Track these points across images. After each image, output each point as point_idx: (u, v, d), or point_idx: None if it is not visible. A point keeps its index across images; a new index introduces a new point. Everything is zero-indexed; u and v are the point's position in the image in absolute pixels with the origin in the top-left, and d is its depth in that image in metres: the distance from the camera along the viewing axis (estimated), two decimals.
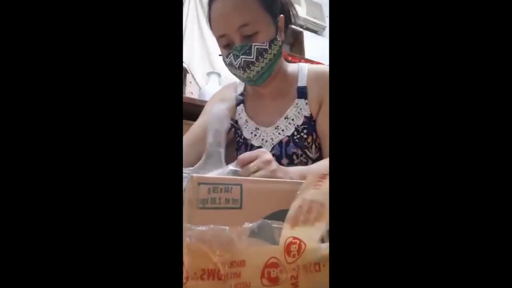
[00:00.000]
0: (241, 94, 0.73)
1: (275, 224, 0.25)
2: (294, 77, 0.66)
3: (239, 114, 0.72)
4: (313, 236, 0.25)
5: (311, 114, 0.62)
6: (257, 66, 0.56)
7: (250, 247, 0.24)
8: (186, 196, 0.26)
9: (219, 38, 0.58)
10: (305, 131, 0.62)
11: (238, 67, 0.56)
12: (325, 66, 0.67)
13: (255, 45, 0.54)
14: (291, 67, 0.68)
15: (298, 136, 0.62)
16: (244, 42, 0.55)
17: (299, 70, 0.67)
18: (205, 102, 1.45)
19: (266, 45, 0.55)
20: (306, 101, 0.63)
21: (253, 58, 0.55)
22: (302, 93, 0.63)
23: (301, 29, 2.34)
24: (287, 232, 0.25)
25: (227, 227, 0.24)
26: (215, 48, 1.98)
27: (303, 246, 0.24)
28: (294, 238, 0.24)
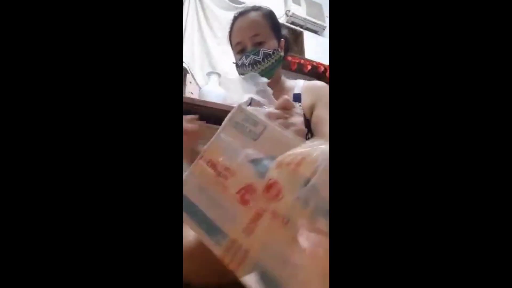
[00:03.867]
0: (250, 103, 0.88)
1: (270, 164, 0.29)
2: (291, 87, 0.83)
3: None
4: (293, 186, 0.27)
5: (304, 115, 0.74)
6: (262, 66, 0.75)
7: (243, 167, 0.29)
8: (230, 115, 0.33)
9: (236, 45, 0.78)
10: None
11: (248, 64, 0.75)
12: (317, 81, 0.84)
13: (262, 50, 0.75)
14: (289, 82, 0.86)
15: None
16: (254, 47, 0.76)
17: (296, 82, 0.84)
18: (205, 102, 1.46)
19: (270, 51, 0.76)
20: (300, 104, 0.78)
21: (260, 59, 0.75)
22: (297, 98, 0.79)
23: (301, 29, 2.35)
24: (271, 172, 0.28)
25: (239, 144, 0.31)
26: (215, 48, 2.00)
27: (281, 195, 0.27)
28: (276, 181, 0.28)
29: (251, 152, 0.31)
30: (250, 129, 0.32)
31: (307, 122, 0.75)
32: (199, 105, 1.44)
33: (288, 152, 0.29)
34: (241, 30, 0.77)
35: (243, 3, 2.15)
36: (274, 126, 0.32)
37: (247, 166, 0.30)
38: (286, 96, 0.43)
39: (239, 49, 0.78)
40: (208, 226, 0.29)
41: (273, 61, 0.77)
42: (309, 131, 0.75)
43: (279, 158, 0.29)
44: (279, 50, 0.78)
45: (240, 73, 0.80)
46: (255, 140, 0.31)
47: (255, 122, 0.32)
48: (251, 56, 0.75)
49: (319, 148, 0.28)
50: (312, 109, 0.76)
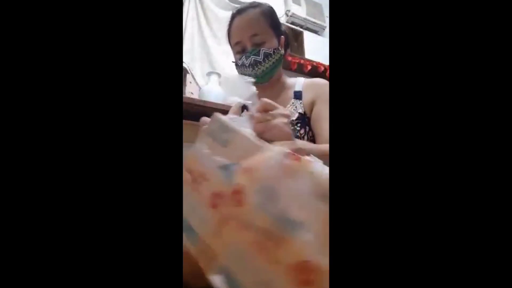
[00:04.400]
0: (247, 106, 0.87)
1: (236, 169, 0.30)
2: (292, 84, 0.82)
3: None
4: (254, 192, 0.28)
5: (304, 112, 0.75)
6: (263, 66, 0.75)
7: (213, 173, 0.30)
8: (207, 124, 0.35)
9: (235, 45, 0.77)
10: (298, 125, 0.75)
11: (249, 65, 0.74)
12: (318, 78, 0.83)
13: (262, 50, 0.74)
14: (290, 79, 0.85)
15: (292, 128, 0.73)
16: (254, 47, 0.74)
17: (297, 80, 0.84)
18: (205, 102, 1.46)
19: (271, 51, 0.75)
20: (301, 101, 0.77)
21: (260, 59, 0.74)
22: (297, 95, 0.78)
23: (301, 29, 2.35)
24: (237, 177, 0.29)
25: (209, 151, 0.32)
26: (215, 48, 2.00)
27: (244, 201, 0.28)
28: (242, 186, 0.29)
29: (220, 158, 0.31)
30: (221, 136, 0.33)
31: (308, 120, 0.75)
32: (199, 105, 1.44)
33: (251, 157, 0.30)
34: (240, 30, 0.76)
35: (243, 3, 2.15)
36: (243, 133, 0.32)
37: (216, 172, 0.31)
38: (264, 99, 0.43)
39: (239, 49, 0.77)
40: (186, 228, 0.30)
41: (274, 60, 0.76)
42: (310, 129, 0.75)
43: (243, 164, 0.30)
44: (280, 49, 0.78)
45: (240, 73, 0.79)
46: (225, 147, 0.32)
47: (226, 129, 0.33)
48: (252, 56, 0.74)
49: (278, 154, 0.28)
50: (312, 105, 0.75)
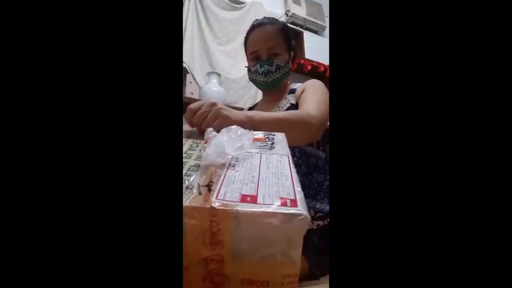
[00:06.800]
0: (252, 107, 1.05)
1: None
2: (290, 87, 0.94)
3: None
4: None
5: (296, 102, 0.86)
6: (274, 76, 0.87)
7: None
8: None
9: (251, 53, 0.89)
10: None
11: (262, 73, 0.86)
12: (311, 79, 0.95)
13: (275, 61, 0.86)
14: (291, 84, 0.97)
15: None
16: (269, 58, 0.86)
17: (297, 84, 0.96)
18: None
19: (282, 64, 0.86)
20: (293, 95, 0.88)
21: (273, 69, 0.86)
22: (292, 91, 0.90)
23: (301, 29, 2.35)
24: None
25: None
26: (215, 48, 2.00)
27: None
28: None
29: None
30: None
31: (297, 108, 0.84)
32: None
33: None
34: (258, 41, 0.87)
35: (243, 3, 2.15)
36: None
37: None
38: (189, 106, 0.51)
39: (254, 57, 0.88)
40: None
41: (284, 72, 0.87)
42: None
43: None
44: (289, 63, 0.90)
45: (251, 78, 0.91)
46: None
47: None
48: (266, 66, 0.85)
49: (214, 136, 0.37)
50: (301, 94, 0.85)
